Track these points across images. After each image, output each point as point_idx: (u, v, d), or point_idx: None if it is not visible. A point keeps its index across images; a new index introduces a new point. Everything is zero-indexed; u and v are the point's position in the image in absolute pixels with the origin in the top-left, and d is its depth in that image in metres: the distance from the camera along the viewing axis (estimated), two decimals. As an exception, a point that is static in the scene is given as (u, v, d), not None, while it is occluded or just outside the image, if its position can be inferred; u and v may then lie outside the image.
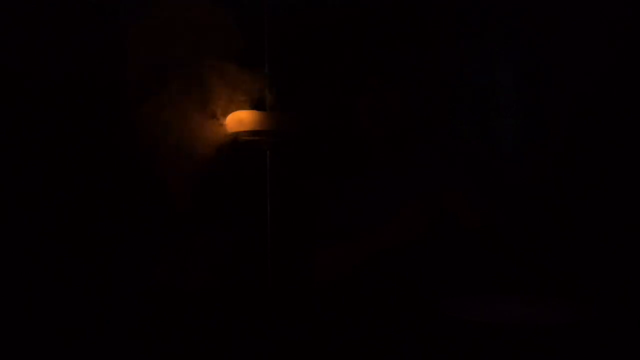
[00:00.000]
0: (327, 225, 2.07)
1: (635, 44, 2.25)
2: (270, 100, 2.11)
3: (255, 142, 2.08)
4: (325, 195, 2.14)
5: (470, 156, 2.12)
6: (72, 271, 2.09)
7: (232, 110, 2.08)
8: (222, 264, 2.14)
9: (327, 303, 2.04)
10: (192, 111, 2.05)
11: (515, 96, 2.50)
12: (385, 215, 1.95)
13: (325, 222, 2.08)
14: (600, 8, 2.26)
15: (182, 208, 2.08)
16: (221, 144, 2.07)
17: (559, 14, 2.35)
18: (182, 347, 2.07)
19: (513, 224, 2.11)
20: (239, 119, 2.05)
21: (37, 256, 2.07)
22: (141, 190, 2.11)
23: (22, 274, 2.06)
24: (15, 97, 2.06)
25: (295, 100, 2.19)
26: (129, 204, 2.11)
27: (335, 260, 2.01)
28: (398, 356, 1.77)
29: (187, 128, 2.05)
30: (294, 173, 2.23)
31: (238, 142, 2.07)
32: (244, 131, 2.06)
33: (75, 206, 2.10)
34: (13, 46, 2.03)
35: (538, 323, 1.59)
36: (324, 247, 2.04)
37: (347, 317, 1.97)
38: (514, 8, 2.46)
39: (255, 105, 2.11)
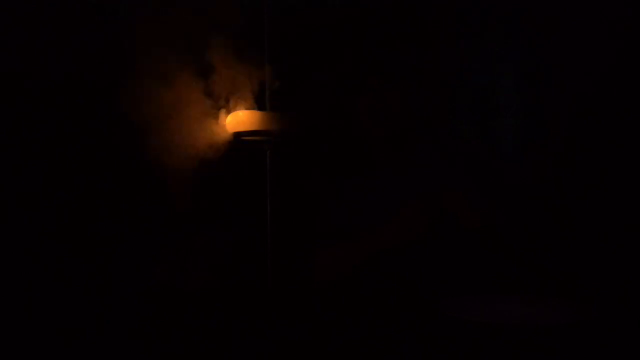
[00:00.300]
0: (327, 225, 2.07)
1: (635, 44, 2.24)
2: (270, 100, 2.10)
3: (255, 142, 2.08)
4: (325, 195, 2.14)
5: (470, 156, 2.13)
6: (72, 271, 2.09)
7: (233, 110, 2.08)
8: (222, 264, 2.14)
9: (327, 303, 2.04)
10: (192, 111, 2.05)
11: (515, 96, 2.50)
12: (385, 215, 1.95)
13: (325, 222, 2.08)
14: (600, 8, 2.26)
15: (182, 208, 2.08)
16: (221, 144, 2.07)
17: (559, 14, 2.35)
18: (182, 347, 2.07)
19: (513, 224, 2.11)
20: (239, 119, 2.05)
21: (37, 256, 2.07)
22: (141, 190, 2.11)
23: (22, 274, 2.06)
24: (15, 97, 2.06)
25: (295, 100, 2.19)
26: (129, 204, 2.11)
27: (335, 260, 2.01)
28: (398, 356, 1.77)
29: (187, 128, 2.05)
30: (294, 173, 2.22)
31: (238, 142, 2.07)
32: (244, 131, 2.06)
33: (75, 206, 2.10)
34: (13, 46, 2.03)
35: (538, 323, 1.59)
36: (324, 247, 2.04)
37: (347, 317, 1.97)
38: (514, 8, 2.46)
39: (255, 105, 2.11)
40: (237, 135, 2.06)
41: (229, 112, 2.08)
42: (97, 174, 2.09)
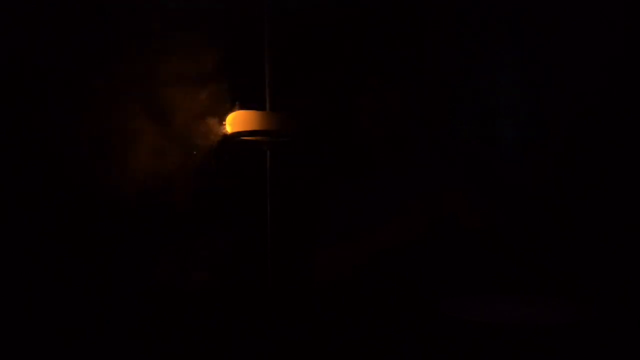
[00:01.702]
0: (327, 225, 2.07)
1: (635, 44, 2.24)
2: (270, 100, 2.10)
3: (255, 142, 2.08)
4: (325, 195, 2.14)
5: (470, 156, 2.13)
6: (72, 271, 2.09)
7: (232, 110, 2.08)
8: (222, 264, 2.14)
9: (327, 303, 2.04)
10: (191, 111, 2.05)
11: (515, 96, 2.50)
12: (385, 216, 1.95)
13: (325, 222, 2.08)
14: (600, 8, 2.26)
15: (182, 208, 2.08)
16: (221, 144, 2.07)
17: (559, 14, 2.35)
18: (182, 347, 2.07)
19: (513, 224, 2.11)
20: (239, 119, 2.05)
21: (37, 256, 2.07)
22: (141, 190, 2.11)
23: (22, 274, 2.06)
24: (15, 97, 2.06)
25: (295, 100, 2.19)
26: (129, 204, 2.11)
27: (335, 260, 2.01)
28: (398, 356, 1.78)
29: (186, 128, 2.05)
30: (294, 173, 2.22)
31: (238, 142, 2.07)
32: (244, 131, 2.06)
33: (76, 206, 2.10)
34: (13, 46, 2.03)
35: (538, 323, 1.59)
36: (324, 247, 2.04)
37: (347, 317, 1.97)
38: (514, 8, 2.46)
39: (255, 105, 2.10)
40: (237, 135, 2.06)
41: (228, 112, 2.08)
42: (97, 174, 2.09)
